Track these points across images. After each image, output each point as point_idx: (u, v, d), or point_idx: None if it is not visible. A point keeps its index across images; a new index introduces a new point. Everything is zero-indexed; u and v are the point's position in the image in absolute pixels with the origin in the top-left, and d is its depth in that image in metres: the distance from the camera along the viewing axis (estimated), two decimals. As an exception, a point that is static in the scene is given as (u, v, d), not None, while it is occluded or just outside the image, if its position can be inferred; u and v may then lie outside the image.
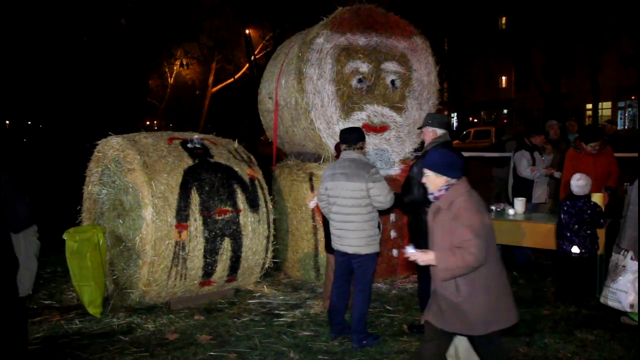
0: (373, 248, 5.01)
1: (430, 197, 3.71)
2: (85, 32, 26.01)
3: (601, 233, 6.26)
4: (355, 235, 4.95)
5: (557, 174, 7.53)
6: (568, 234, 6.03)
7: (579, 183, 6.08)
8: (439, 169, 3.61)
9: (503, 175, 10.41)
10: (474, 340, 3.83)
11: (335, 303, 5.23)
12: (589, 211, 5.99)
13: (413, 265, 7.09)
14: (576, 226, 6.00)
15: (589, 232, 6.00)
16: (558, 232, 6.19)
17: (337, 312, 5.24)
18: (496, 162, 10.73)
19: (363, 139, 5.19)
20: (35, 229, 5.12)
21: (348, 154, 5.09)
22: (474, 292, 3.53)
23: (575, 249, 6.00)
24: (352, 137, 5.12)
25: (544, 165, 7.62)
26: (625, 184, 6.30)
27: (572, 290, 6.11)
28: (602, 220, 6.04)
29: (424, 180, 3.74)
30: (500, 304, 3.58)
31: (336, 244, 5.10)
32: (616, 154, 7.66)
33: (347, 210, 4.95)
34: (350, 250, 4.99)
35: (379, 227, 5.09)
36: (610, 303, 5.51)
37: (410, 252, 3.60)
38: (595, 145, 7.15)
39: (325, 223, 5.57)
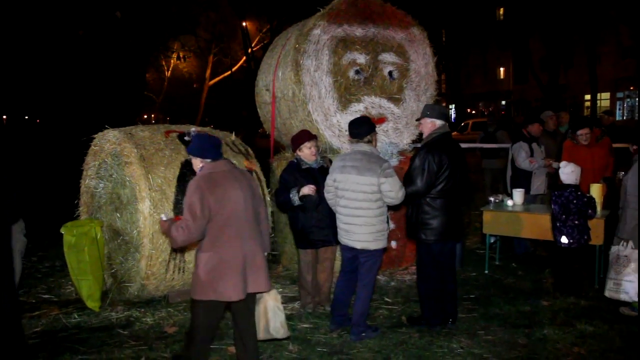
0: (382, 243, 4.92)
1: None
2: (80, 25, 25.90)
3: (600, 224, 6.26)
4: (364, 230, 4.84)
5: (555, 165, 7.52)
6: (558, 224, 6.03)
7: (565, 170, 6.07)
8: (194, 152, 4.01)
9: (494, 166, 10.50)
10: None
11: (340, 296, 5.17)
12: (574, 201, 5.93)
13: (411, 257, 7.11)
14: (564, 216, 5.98)
15: (576, 222, 5.95)
16: (551, 222, 6.19)
17: (341, 305, 5.18)
18: (486, 154, 10.74)
19: (373, 130, 5.04)
20: (22, 225, 5.13)
21: (359, 146, 4.93)
22: (197, 262, 3.94)
23: (564, 239, 5.99)
24: (363, 130, 4.95)
25: (542, 156, 7.60)
26: (620, 172, 6.27)
27: (569, 281, 6.10)
28: (590, 211, 5.95)
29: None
30: (214, 275, 3.85)
31: (343, 239, 4.99)
32: (614, 145, 7.66)
33: (357, 205, 4.83)
34: (358, 245, 4.88)
35: (387, 222, 5.00)
36: (617, 295, 5.48)
37: (162, 217, 4.12)
38: (584, 133, 7.14)
39: (300, 215, 5.51)
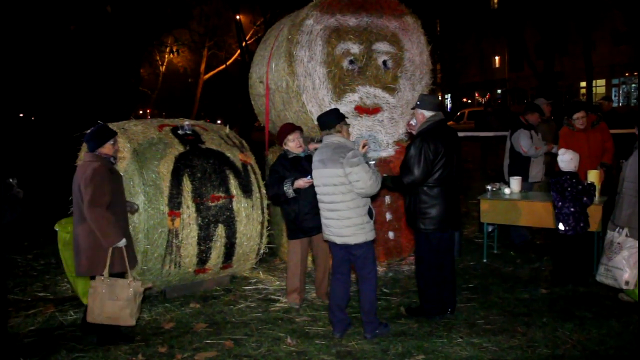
0: (363, 237, 4.71)
1: None
2: (72, 21, 25.71)
3: (597, 210, 6.23)
4: (342, 225, 4.68)
5: (555, 150, 7.46)
6: (555, 211, 6.01)
7: (563, 158, 6.03)
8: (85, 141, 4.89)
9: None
10: None
11: (335, 298, 4.90)
12: (569, 188, 5.89)
13: (409, 248, 7.08)
14: (560, 203, 5.95)
15: (572, 209, 5.90)
16: (553, 209, 6.17)
17: (339, 308, 4.88)
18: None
19: (341, 120, 4.86)
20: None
21: (328, 137, 4.80)
22: None
23: (560, 226, 5.96)
24: (330, 120, 4.83)
25: (542, 143, 7.54)
26: (621, 160, 6.25)
27: (567, 268, 6.07)
28: (585, 199, 5.89)
29: None
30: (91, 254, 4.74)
31: (325, 233, 4.87)
32: (614, 131, 7.60)
33: (329, 199, 4.71)
34: (338, 240, 4.74)
35: (369, 213, 4.76)
36: (606, 281, 5.49)
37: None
38: (580, 116, 7.10)
39: (292, 203, 5.50)
